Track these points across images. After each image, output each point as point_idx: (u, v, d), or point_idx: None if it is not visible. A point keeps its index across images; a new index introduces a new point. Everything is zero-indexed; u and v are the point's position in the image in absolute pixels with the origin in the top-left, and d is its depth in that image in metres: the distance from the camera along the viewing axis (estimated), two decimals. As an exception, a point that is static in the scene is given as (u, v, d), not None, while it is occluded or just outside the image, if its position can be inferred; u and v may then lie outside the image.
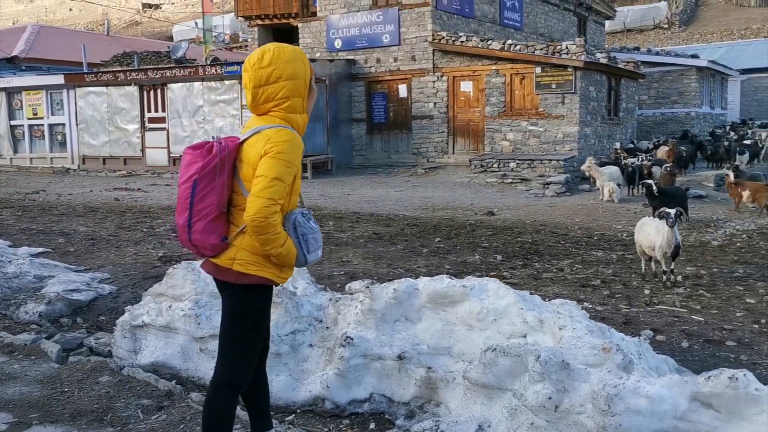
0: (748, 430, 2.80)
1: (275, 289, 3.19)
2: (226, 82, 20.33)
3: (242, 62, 19.62)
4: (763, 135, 20.48)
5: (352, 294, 4.39)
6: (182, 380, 4.35)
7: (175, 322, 4.44)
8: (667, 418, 2.91)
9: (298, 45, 23.37)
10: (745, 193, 13.57)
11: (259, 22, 26.77)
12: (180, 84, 21.25)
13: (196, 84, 20.99)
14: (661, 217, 7.12)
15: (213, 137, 2.90)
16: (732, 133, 22.32)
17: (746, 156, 18.31)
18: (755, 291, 7.02)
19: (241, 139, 2.83)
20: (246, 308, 2.85)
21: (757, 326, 5.73)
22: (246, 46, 36.97)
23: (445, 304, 3.98)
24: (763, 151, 19.47)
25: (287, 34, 25.99)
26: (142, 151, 22.18)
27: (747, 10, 55.66)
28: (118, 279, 7.01)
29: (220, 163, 2.75)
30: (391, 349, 3.88)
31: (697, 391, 2.91)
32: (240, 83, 20.20)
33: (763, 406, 2.75)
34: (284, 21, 25.98)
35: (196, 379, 4.36)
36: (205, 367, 4.37)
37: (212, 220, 2.77)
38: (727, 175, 14.28)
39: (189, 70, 21.25)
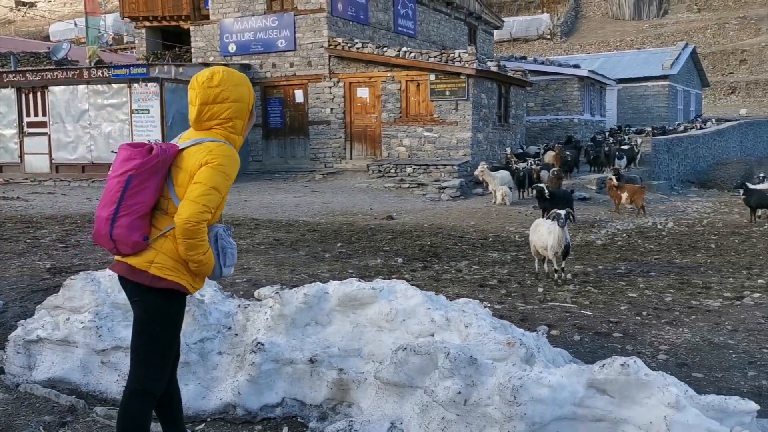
0: (639, 413, 3.04)
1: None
2: (114, 86, 19.57)
3: (131, 65, 18.90)
4: (639, 140, 21.89)
5: (260, 300, 4.38)
6: (83, 395, 4.19)
7: (73, 335, 4.27)
8: (566, 405, 3.11)
9: (190, 48, 22.84)
10: (624, 195, 14.53)
11: (147, 23, 25.92)
12: (63, 87, 20.26)
13: (81, 87, 20.08)
14: (552, 218, 7.53)
15: (149, 141, 3.03)
16: (611, 139, 23.73)
17: (624, 160, 19.54)
18: (636, 286, 7.55)
19: (180, 147, 2.90)
20: (159, 313, 2.86)
21: (639, 318, 6.17)
22: (133, 48, 35.67)
23: (355, 306, 4.05)
24: (638, 156, 20.82)
25: (178, 37, 25.34)
26: (21, 157, 20.97)
27: (621, 23, 59.39)
28: (3, 293, 6.63)
29: (160, 164, 2.82)
30: (302, 353, 3.91)
31: (593, 378, 3.12)
32: (129, 86, 19.49)
33: (652, 390, 3.00)
34: (174, 23, 25.29)
35: (97, 393, 4.21)
36: (107, 380, 4.23)
37: (139, 218, 2.81)
38: (610, 178, 15.20)
39: (73, 72, 20.29)
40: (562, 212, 7.49)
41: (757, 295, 7.01)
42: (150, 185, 2.80)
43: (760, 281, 7.77)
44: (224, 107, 2.92)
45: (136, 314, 2.89)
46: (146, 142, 2.98)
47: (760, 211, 13.73)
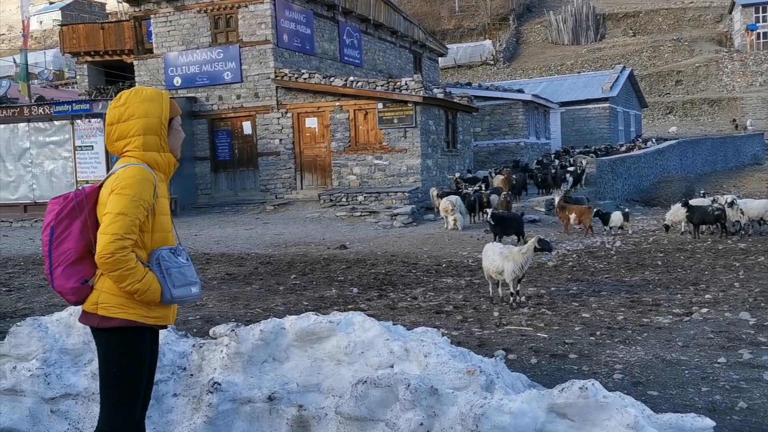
0: (599, 435, 3.07)
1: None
2: (56, 123, 19.17)
3: (73, 101, 18.63)
4: (584, 162, 22.44)
5: (215, 338, 4.29)
6: (31, 447, 4.02)
7: (21, 383, 4.10)
8: (528, 431, 3.12)
9: (134, 83, 22.55)
10: (572, 216, 14.83)
11: (89, 58, 25.57)
12: (2, 126, 19.73)
13: (22, 125, 19.62)
14: (536, 240, 7.64)
15: (83, 185, 3.01)
16: (556, 161, 24.27)
17: (570, 182, 19.98)
18: (589, 306, 7.68)
19: (100, 183, 2.88)
20: (115, 353, 2.80)
21: (593, 338, 6.27)
22: (74, 83, 35.05)
23: (313, 341, 4.00)
24: (584, 177, 21.32)
25: (121, 71, 25.02)
26: (-40, 198, 20.24)
27: (561, 48, 61.19)
28: (-57, 342, 6.33)
29: (77, 207, 2.79)
30: (260, 391, 3.83)
31: (553, 402, 3.15)
32: (72, 123, 19.11)
33: (611, 412, 3.04)
34: (117, 57, 25.01)
35: (46, 444, 4.04)
36: (57, 429, 4.07)
37: (70, 265, 2.79)
38: (557, 201, 15.51)
39: (13, 110, 19.80)
40: (547, 238, 7.62)
41: (705, 310, 7.21)
42: (72, 231, 2.78)
43: (707, 296, 7.99)
44: (131, 125, 2.85)
45: (98, 359, 2.86)
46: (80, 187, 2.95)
47: (703, 227, 14.19)
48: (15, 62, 38.90)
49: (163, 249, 2.86)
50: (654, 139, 34.64)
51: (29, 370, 4.12)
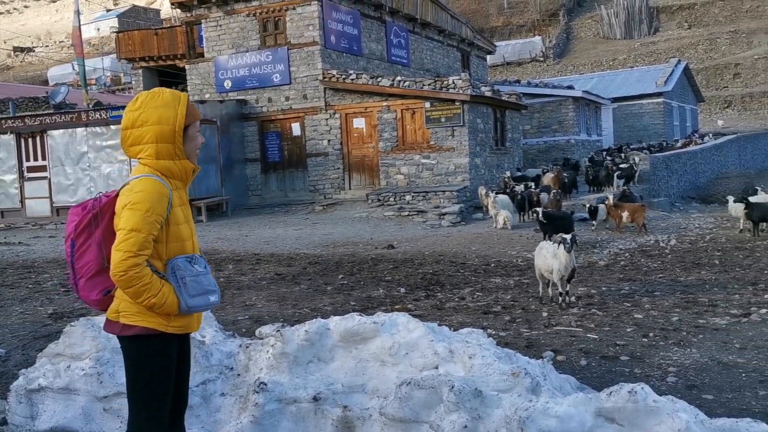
0: (649, 440, 2.98)
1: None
2: (112, 127, 19.67)
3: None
4: (637, 159, 21.91)
5: (262, 338, 4.33)
6: (85, 443, 4.14)
7: (75, 382, 4.23)
8: (575, 436, 3.06)
9: (186, 86, 23.01)
10: (625, 214, 14.49)
11: (144, 63, 26.21)
12: (61, 130, 20.39)
13: (80, 130, 20.21)
14: (558, 242, 7.48)
15: (98, 193, 2.92)
16: (608, 158, 23.76)
17: (623, 179, 19.52)
18: (641, 306, 7.48)
19: (117, 191, 2.85)
20: (139, 360, 2.83)
21: (646, 340, 6.11)
22: (130, 88, 36.01)
23: (357, 341, 4.01)
24: (637, 174, 20.82)
25: (174, 76, 25.58)
26: (22, 202, 21.02)
27: (613, 42, 59.96)
28: (5, 341, 6.59)
29: (94, 219, 2.79)
30: (305, 392, 3.86)
31: (601, 407, 3.07)
32: (127, 127, 19.61)
33: (661, 416, 2.95)
34: (170, 62, 25.57)
35: (100, 440, 4.15)
36: (109, 427, 4.17)
37: (92, 277, 2.81)
38: (607, 198, 15.19)
39: (71, 115, 20.45)
40: (568, 236, 7.45)
41: (764, 311, 6.95)
42: (93, 242, 2.78)
43: (766, 296, 7.70)
44: (144, 131, 2.79)
45: (124, 363, 2.89)
46: (97, 194, 2.92)
47: (763, 225, 13.69)
48: (74, 68, 40.23)
49: (179, 258, 2.83)
50: (711, 134, 33.59)
51: (83, 369, 4.23)
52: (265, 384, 3.87)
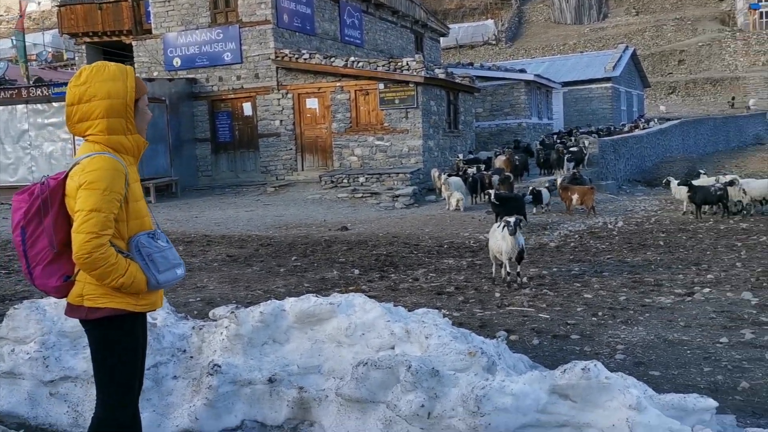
0: (601, 416, 3.05)
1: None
2: (55, 104, 19.02)
3: (74, 83, 18.58)
4: (586, 143, 22.28)
5: (215, 320, 4.26)
6: (31, 429, 4.02)
7: (19, 366, 4.09)
8: (530, 413, 3.10)
9: (133, 63, 22.38)
10: (575, 197, 14.76)
11: (87, 39, 25.35)
12: (0, 107, 19.61)
13: (20, 107, 19.50)
14: (502, 226, 7.57)
15: (43, 177, 2.76)
16: (559, 142, 24.10)
17: (573, 162, 19.85)
18: (591, 286, 7.65)
19: (65, 173, 2.71)
20: (107, 342, 2.75)
21: (595, 319, 6.24)
22: (73, 65, 34.89)
23: (313, 322, 3.98)
24: (586, 157, 21.19)
25: (120, 53, 24.83)
26: (-41, 181, 20.20)
27: (564, 27, 60.74)
28: (-57, 325, 6.32)
29: (43, 205, 2.66)
30: (260, 373, 3.82)
31: (555, 384, 3.12)
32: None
33: (613, 393, 3.01)
34: (115, 38, 24.78)
35: (47, 426, 4.04)
36: (56, 412, 4.06)
37: (49, 263, 2.70)
38: (562, 180, 15.44)
39: (10, 92, 19.69)
40: (512, 219, 7.55)
41: (707, 290, 7.18)
42: (46, 228, 2.66)
43: (709, 276, 7.96)
44: (93, 106, 2.66)
45: (90, 348, 2.79)
46: (41, 179, 2.75)
47: (705, 207, 14.12)
48: (13, 43, 38.70)
49: (141, 235, 2.75)
50: (656, 119, 34.41)
51: (27, 353, 4.10)
52: (219, 366, 3.81)
